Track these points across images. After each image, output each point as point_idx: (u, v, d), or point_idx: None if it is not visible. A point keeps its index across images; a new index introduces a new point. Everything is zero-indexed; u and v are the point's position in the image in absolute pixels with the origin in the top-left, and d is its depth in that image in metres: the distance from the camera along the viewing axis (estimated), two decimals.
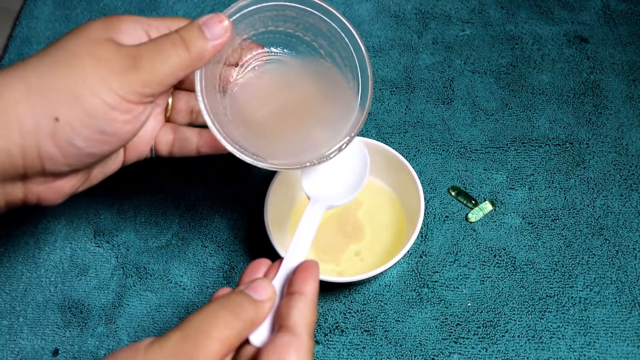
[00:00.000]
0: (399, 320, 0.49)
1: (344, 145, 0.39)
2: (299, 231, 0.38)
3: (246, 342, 0.33)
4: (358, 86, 0.40)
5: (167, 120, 0.42)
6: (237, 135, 0.39)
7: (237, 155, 0.37)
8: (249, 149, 0.38)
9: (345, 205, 0.51)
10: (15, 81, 0.32)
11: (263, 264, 0.37)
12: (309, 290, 0.33)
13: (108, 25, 0.35)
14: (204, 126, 0.39)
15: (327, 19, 0.40)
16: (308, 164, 0.39)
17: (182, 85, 0.43)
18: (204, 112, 0.37)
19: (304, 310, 0.32)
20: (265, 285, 0.33)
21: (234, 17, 0.37)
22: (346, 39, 0.40)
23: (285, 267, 0.36)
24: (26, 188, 0.35)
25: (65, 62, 0.33)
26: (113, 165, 0.40)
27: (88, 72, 0.33)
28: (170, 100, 0.42)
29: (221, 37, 0.35)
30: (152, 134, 0.41)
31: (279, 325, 0.32)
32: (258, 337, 0.33)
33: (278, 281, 0.35)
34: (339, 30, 0.40)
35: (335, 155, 0.39)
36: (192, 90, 0.43)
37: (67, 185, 0.37)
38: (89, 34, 0.34)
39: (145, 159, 0.42)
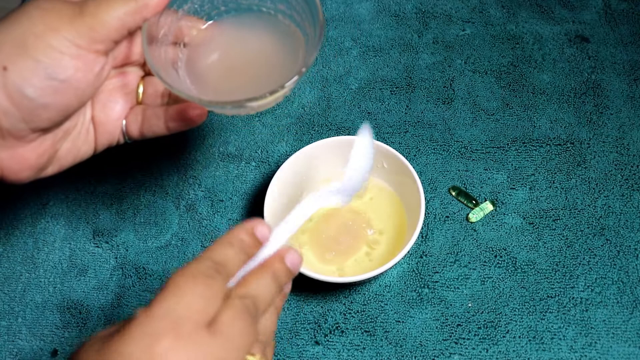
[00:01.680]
0: (399, 321, 0.48)
1: (296, 78, 0.38)
2: (293, 215, 0.36)
3: None
4: (315, 35, 0.40)
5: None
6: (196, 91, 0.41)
7: (180, 93, 0.37)
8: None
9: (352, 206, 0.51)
10: None
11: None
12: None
13: None
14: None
15: None
16: (260, 95, 0.38)
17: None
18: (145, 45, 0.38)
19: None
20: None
21: None
22: None
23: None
24: None
25: (14, 18, 0.34)
26: (83, 147, 0.40)
27: (35, 21, 0.34)
28: (141, 86, 0.42)
29: None
30: (120, 114, 0.41)
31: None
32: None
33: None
34: None
35: (286, 88, 0.38)
36: None
37: (32, 156, 0.36)
38: None
39: (118, 144, 0.42)
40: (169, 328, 0.28)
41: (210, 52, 0.43)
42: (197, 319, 0.29)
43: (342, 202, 0.39)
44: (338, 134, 0.58)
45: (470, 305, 0.49)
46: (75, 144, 0.40)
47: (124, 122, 0.41)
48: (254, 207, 0.54)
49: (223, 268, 0.31)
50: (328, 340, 0.48)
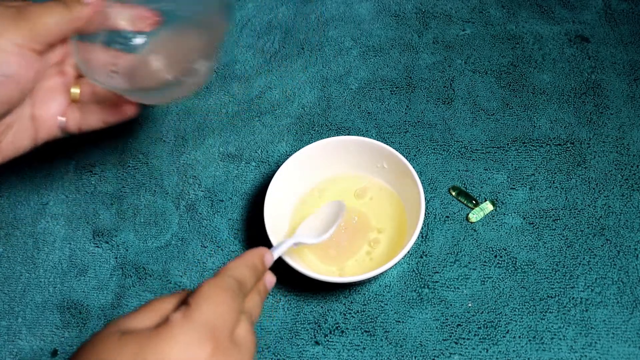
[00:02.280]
0: (399, 321, 0.48)
1: (202, 62, 0.43)
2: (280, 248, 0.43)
3: None
4: (222, 22, 0.44)
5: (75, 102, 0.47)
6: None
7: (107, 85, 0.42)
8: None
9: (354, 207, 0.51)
10: None
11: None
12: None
13: None
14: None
15: None
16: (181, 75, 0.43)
17: None
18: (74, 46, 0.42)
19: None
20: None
21: None
22: None
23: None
24: None
25: None
26: (24, 141, 0.44)
27: None
28: (77, 88, 0.46)
29: (96, 3, 0.42)
30: (58, 111, 0.45)
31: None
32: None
33: None
34: None
35: (202, 66, 0.43)
36: None
37: None
38: None
39: (57, 139, 0.46)
40: (209, 336, 0.31)
41: (139, 54, 0.47)
42: (227, 329, 0.32)
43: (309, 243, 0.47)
44: (338, 134, 0.58)
45: (470, 305, 0.49)
46: (17, 137, 0.43)
47: (62, 118, 0.45)
48: (254, 207, 0.54)
49: (243, 287, 0.35)
50: (328, 340, 0.48)
